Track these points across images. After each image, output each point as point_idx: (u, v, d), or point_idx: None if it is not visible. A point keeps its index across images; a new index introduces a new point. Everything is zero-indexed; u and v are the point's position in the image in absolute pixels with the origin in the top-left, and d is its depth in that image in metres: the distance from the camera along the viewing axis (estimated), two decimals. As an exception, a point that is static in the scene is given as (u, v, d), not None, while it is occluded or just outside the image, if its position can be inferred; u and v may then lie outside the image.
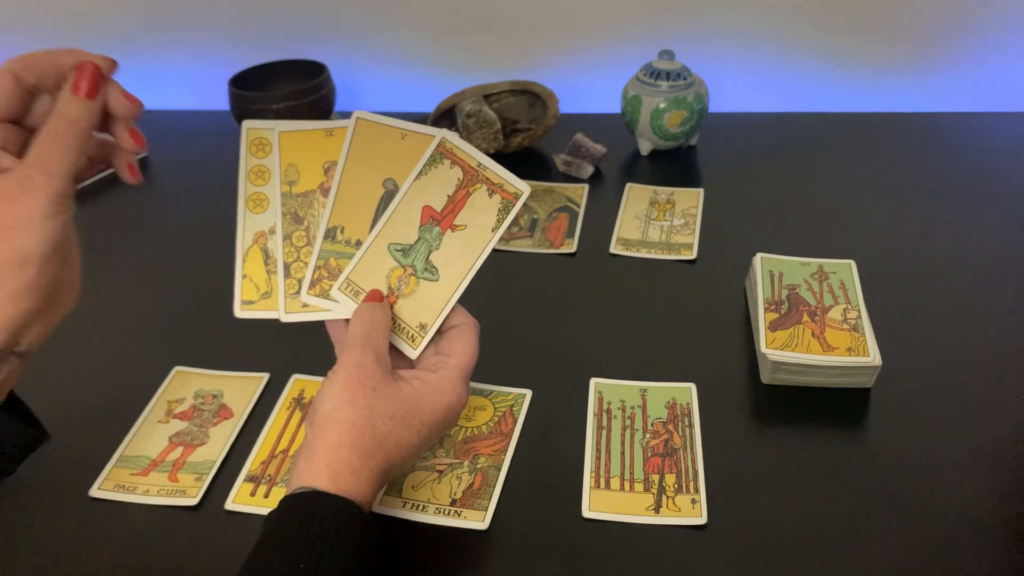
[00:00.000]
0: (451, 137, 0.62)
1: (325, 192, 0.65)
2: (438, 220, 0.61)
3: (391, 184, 0.63)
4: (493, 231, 0.60)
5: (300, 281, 0.64)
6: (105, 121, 0.54)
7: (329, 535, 0.51)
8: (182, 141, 1.22)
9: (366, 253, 0.62)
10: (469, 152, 0.61)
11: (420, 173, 0.62)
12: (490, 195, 0.60)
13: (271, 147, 0.66)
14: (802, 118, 1.21)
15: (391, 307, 0.61)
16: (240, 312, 0.65)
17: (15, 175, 0.49)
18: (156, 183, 1.13)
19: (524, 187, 0.60)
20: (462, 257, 0.60)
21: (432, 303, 0.61)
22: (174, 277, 0.94)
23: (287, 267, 0.64)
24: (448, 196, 0.61)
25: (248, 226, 0.66)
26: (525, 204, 1.01)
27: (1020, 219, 0.96)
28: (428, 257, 0.61)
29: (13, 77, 0.51)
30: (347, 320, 0.61)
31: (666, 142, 1.10)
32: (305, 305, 0.64)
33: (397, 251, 0.62)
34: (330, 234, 0.63)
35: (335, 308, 0.63)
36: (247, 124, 0.66)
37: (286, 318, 0.64)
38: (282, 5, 1.27)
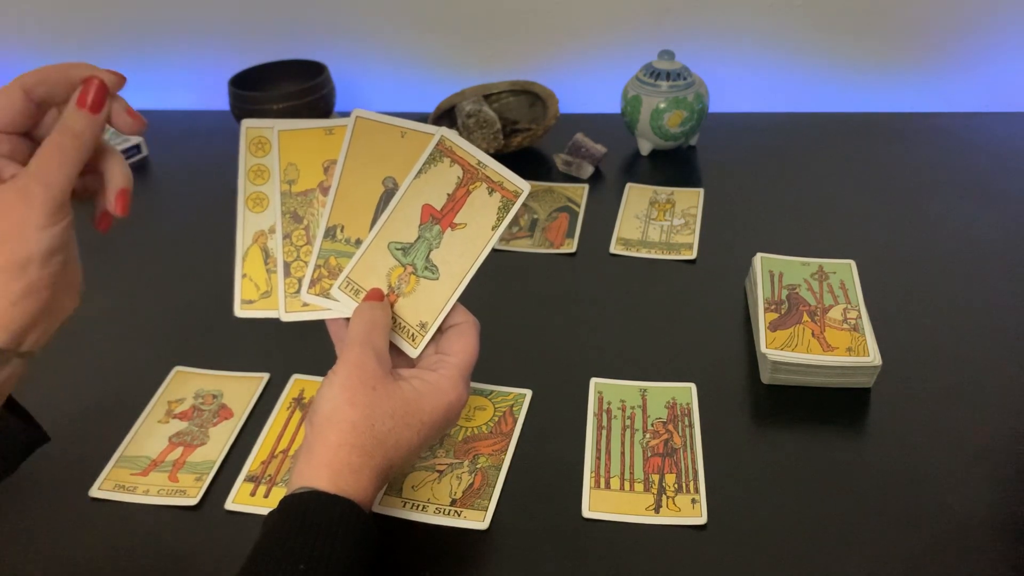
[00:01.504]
0: (451, 135, 0.62)
1: (325, 191, 0.65)
2: (438, 218, 0.61)
3: (391, 183, 0.63)
4: (493, 229, 0.60)
5: (300, 280, 0.64)
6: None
7: (329, 535, 0.51)
8: (182, 141, 1.22)
9: (366, 252, 0.62)
10: (469, 150, 0.61)
11: (420, 171, 0.62)
12: (490, 193, 0.60)
13: (270, 146, 0.66)
14: (802, 118, 1.21)
15: (391, 306, 0.61)
16: (240, 312, 0.65)
17: (14, 184, 0.50)
18: (156, 183, 1.13)
19: (524, 185, 0.60)
20: (462, 256, 0.60)
21: (432, 302, 0.61)
22: (174, 277, 0.94)
23: (287, 266, 0.64)
24: (448, 194, 0.61)
25: (248, 225, 0.66)
26: (525, 204, 1.01)
27: (1020, 219, 0.96)
28: (428, 256, 0.61)
29: (23, 91, 0.52)
30: (347, 319, 0.61)
31: (666, 142, 1.10)
32: (305, 304, 0.63)
33: (397, 250, 0.62)
34: (330, 233, 0.63)
35: (335, 307, 0.63)
36: (246, 123, 0.66)
37: (286, 317, 0.64)
38: (282, 5, 1.27)
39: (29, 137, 0.54)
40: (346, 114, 0.65)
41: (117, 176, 0.54)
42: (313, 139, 0.65)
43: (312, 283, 0.63)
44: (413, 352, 0.61)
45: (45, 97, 0.53)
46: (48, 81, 0.52)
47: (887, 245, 0.93)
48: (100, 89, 0.52)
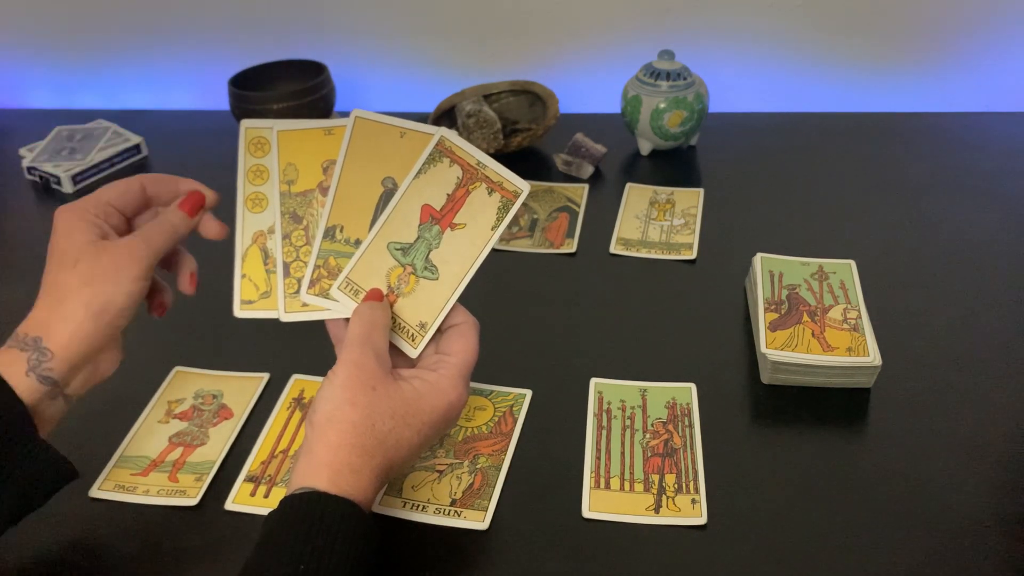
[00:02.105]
0: (450, 135, 0.62)
1: (324, 191, 0.65)
2: (437, 219, 0.61)
3: (390, 183, 0.63)
4: (493, 229, 0.60)
5: (299, 280, 0.64)
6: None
7: (329, 535, 0.51)
8: (182, 141, 1.22)
9: (365, 252, 0.62)
10: (468, 150, 0.61)
11: (419, 171, 0.62)
12: (490, 193, 0.60)
13: (270, 146, 0.66)
14: (802, 118, 1.21)
15: (391, 306, 0.61)
16: (239, 312, 0.65)
17: (122, 241, 0.61)
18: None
19: (524, 185, 0.60)
20: (462, 256, 0.60)
21: (432, 302, 0.61)
22: (174, 277, 0.94)
23: (286, 266, 0.64)
24: (447, 195, 0.61)
25: (247, 226, 0.66)
26: (525, 204, 1.01)
27: (1019, 219, 0.96)
28: (428, 256, 0.61)
29: (142, 187, 0.65)
30: (347, 319, 0.61)
31: (666, 142, 1.10)
32: (305, 304, 0.63)
33: (397, 250, 0.62)
34: (329, 233, 0.63)
35: (335, 307, 0.63)
36: (245, 123, 0.66)
37: (286, 318, 0.64)
38: (282, 5, 1.27)
39: (129, 221, 0.65)
40: (346, 114, 0.65)
41: (189, 262, 0.68)
42: (312, 139, 0.65)
43: (311, 283, 0.63)
44: (413, 352, 0.61)
45: (154, 195, 0.65)
46: (161, 185, 0.66)
47: (887, 245, 0.93)
48: (200, 201, 0.65)
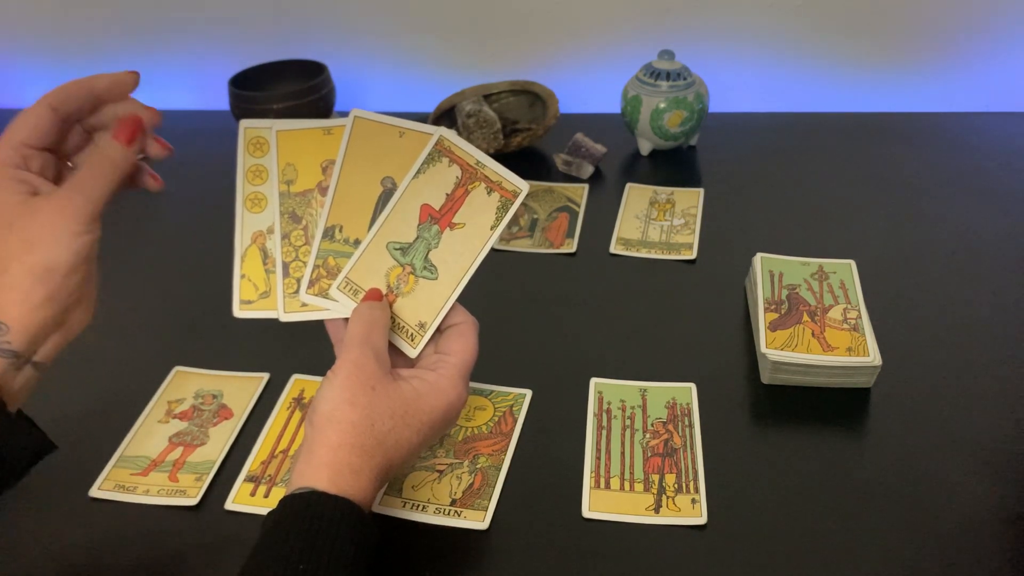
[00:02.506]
0: (449, 135, 0.62)
1: (323, 191, 0.65)
2: (437, 218, 0.61)
3: (389, 182, 0.63)
4: (492, 229, 0.60)
5: (299, 280, 0.64)
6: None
7: (329, 535, 0.51)
8: (182, 141, 1.21)
9: (365, 252, 0.62)
10: (467, 150, 0.61)
11: (418, 171, 0.62)
12: (489, 193, 0.60)
13: (269, 146, 0.66)
14: (802, 118, 1.21)
15: (390, 306, 0.61)
16: (239, 312, 0.65)
17: (56, 196, 0.55)
18: (156, 183, 1.13)
19: (523, 185, 0.60)
20: (461, 255, 0.60)
21: (431, 302, 0.61)
22: (174, 277, 0.94)
23: (286, 266, 0.64)
24: (447, 194, 0.61)
25: (246, 226, 0.66)
26: (525, 204, 1.01)
27: (1020, 219, 0.96)
28: (427, 256, 0.61)
29: (51, 109, 0.57)
30: (346, 319, 0.61)
31: (666, 142, 1.10)
32: (304, 304, 0.63)
33: (396, 250, 0.62)
34: (328, 233, 0.63)
35: (334, 307, 0.63)
36: (244, 123, 0.66)
37: (285, 318, 0.64)
38: (282, 5, 1.27)
39: (55, 154, 0.58)
40: (345, 114, 0.65)
41: (153, 150, 0.61)
42: (311, 139, 0.65)
43: (311, 283, 0.63)
44: (412, 352, 0.61)
45: (71, 112, 0.58)
46: (73, 97, 0.58)
47: (887, 245, 0.93)
48: (136, 125, 0.58)
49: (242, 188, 0.66)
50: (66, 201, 0.55)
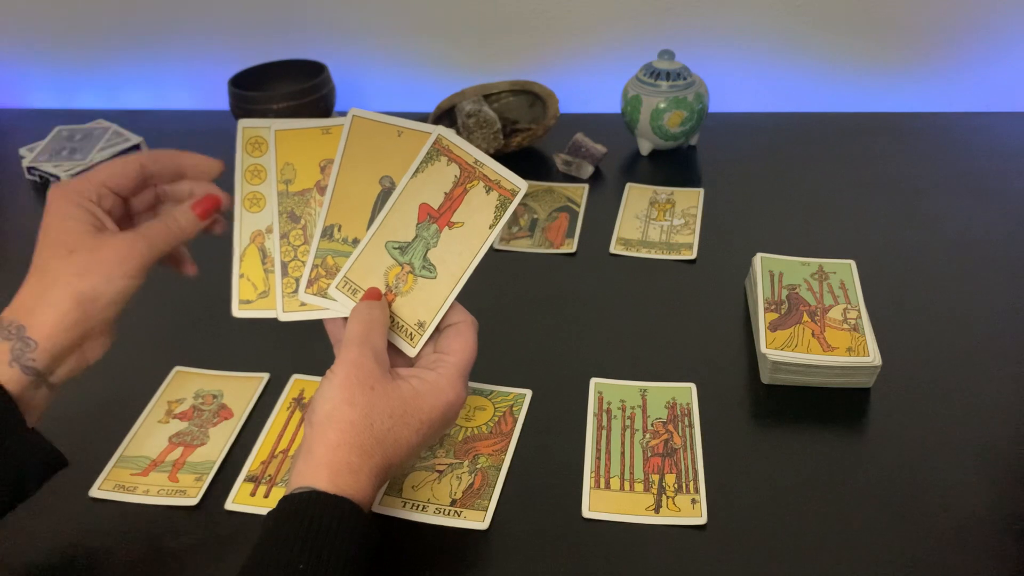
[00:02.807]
0: (447, 134, 0.62)
1: (322, 190, 0.65)
2: (435, 217, 0.61)
3: (388, 182, 0.63)
4: (491, 228, 0.60)
5: (298, 280, 0.64)
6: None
7: (328, 535, 0.51)
8: (182, 141, 1.21)
9: (363, 251, 0.62)
10: (466, 149, 0.61)
11: (417, 170, 0.62)
12: (487, 192, 0.60)
13: (267, 146, 0.66)
14: (802, 118, 1.21)
15: (389, 305, 0.61)
16: (238, 312, 0.65)
17: (125, 236, 0.60)
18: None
19: (521, 183, 0.60)
20: (460, 254, 0.60)
21: (430, 301, 0.61)
22: (174, 277, 0.94)
23: (284, 266, 0.64)
24: (445, 193, 0.61)
25: (245, 225, 0.66)
26: (525, 204, 1.01)
27: (1020, 219, 0.96)
28: (426, 255, 0.61)
29: (140, 164, 0.63)
30: (345, 319, 0.61)
31: (666, 142, 1.10)
32: (303, 304, 0.63)
33: (394, 249, 0.62)
34: (327, 232, 0.63)
35: (333, 307, 0.63)
36: (243, 123, 0.66)
37: (284, 317, 0.64)
38: (282, 5, 1.27)
39: (126, 201, 0.64)
40: (344, 114, 0.65)
41: (187, 262, 0.68)
42: (310, 138, 0.65)
43: (310, 283, 0.63)
44: (411, 351, 0.61)
45: (154, 174, 0.64)
46: (161, 163, 0.64)
47: (887, 245, 0.93)
48: (214, 205, 0.64)
49: (240, 188, 0.66)
50: (132, 244, 0.59)
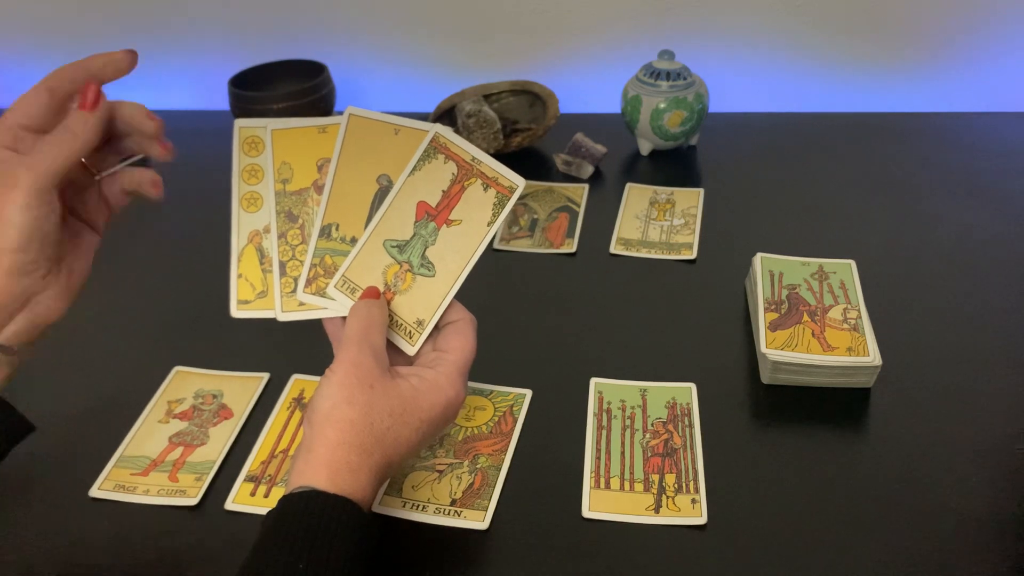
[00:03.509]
0: (444, 132, 0.62)
1: (319, 189, 0.64)
2: (433, 215, 0.61)
3: (385, 180, 0.63)
4: (489, 225, 0.60)
5: (296, 279, 0.64)
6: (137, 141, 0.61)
7: (328, 534, 0.51)
8: (182, 141, 1.20)
9: (361, 250, 0.62)
10: (463, 146, 0.61)
11: (414, 168, 0.62)
12: (485, 189, 0.60)
13: (264, 145, 0.66)
14: (802, 118, 1.21)
15: (388, 304, 0.61)
16: (236, 312, 0.65)
17: (14, 160, 0.53)
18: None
19: (519, 180, 0.60)
20: (458, 252, 0.60)
21: (429, 299, 0.60)
22: (174, 277, 0.94)
23: (283, 266, 0.64)
24: (443, 191, 0.61)
25: (242, 225, 0.65)
26: (525, 204, 1.01)
27: (1019, 219, 0.96)
28: (424, 253, 0.61)
29: (48, 91, 0.55)
30: (344, 318, 0.61)
31: (666, 142, 1.10)
32: (301, 304, 0.63)
33: (393, 247, 0.62)
34: (325, 232, 0.63)
35: (332, 306, 0.62)
36: (239, 123, 0.66)
37: (283, 317, 0.64)
38: (282, 5, 1.27)
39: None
40: (342, 113, 0.65)
41: (141, 176, 0.62)
42: (306, 138, 0.65)
43: (308, 282, 0.63)
44: (411, 350, 0.61)
45: (70, 93, 0.56)
46: (69, 78, 0.56)
47: (887, 245, 0.92)
48: (95, 91, 0.55)
49: (237, 187, 0.66)
50: (10, 176, 0.52)
